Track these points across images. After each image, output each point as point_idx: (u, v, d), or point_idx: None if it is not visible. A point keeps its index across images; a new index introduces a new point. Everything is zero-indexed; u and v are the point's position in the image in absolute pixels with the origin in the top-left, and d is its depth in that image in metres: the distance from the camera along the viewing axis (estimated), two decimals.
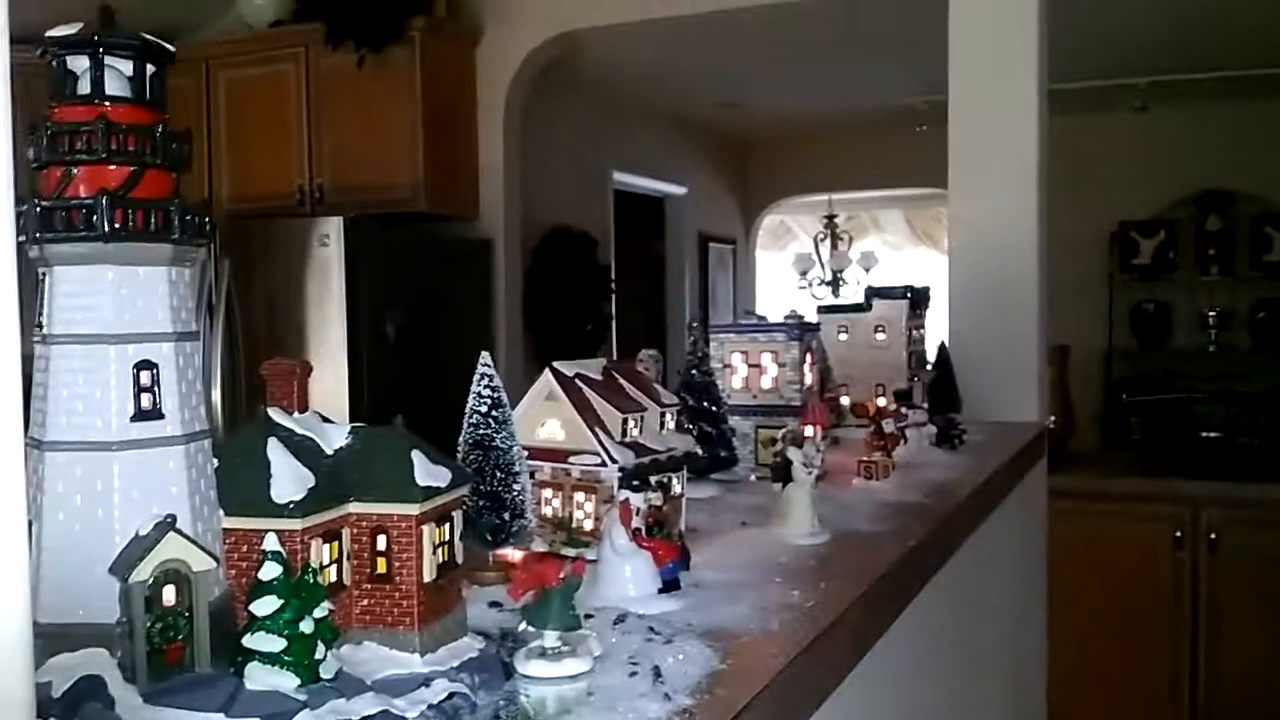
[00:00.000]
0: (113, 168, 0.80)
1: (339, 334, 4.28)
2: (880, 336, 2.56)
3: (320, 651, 0.81)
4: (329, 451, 0.94)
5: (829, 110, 7.17)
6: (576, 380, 1.46)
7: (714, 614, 1.17)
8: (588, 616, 1.14)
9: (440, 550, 0.94)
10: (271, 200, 4.90)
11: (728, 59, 5.77)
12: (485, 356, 1.31)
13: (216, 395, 4.41)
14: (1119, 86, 5.91)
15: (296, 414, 0.95)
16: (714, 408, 1.83)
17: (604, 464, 1.38)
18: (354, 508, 0.91)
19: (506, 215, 5.11)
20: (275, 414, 0.93)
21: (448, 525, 0.95)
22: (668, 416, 1.56)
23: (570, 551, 1.40)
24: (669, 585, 1.22)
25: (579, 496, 1.41)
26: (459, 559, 0.97)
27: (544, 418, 1.45)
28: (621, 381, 1.53)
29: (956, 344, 3.00)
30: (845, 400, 2.41)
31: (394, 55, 4.67)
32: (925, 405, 2.46)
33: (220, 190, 5.04)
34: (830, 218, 8.62)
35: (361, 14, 4.63)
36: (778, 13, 4.60)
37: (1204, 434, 5.87)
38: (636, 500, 1.24)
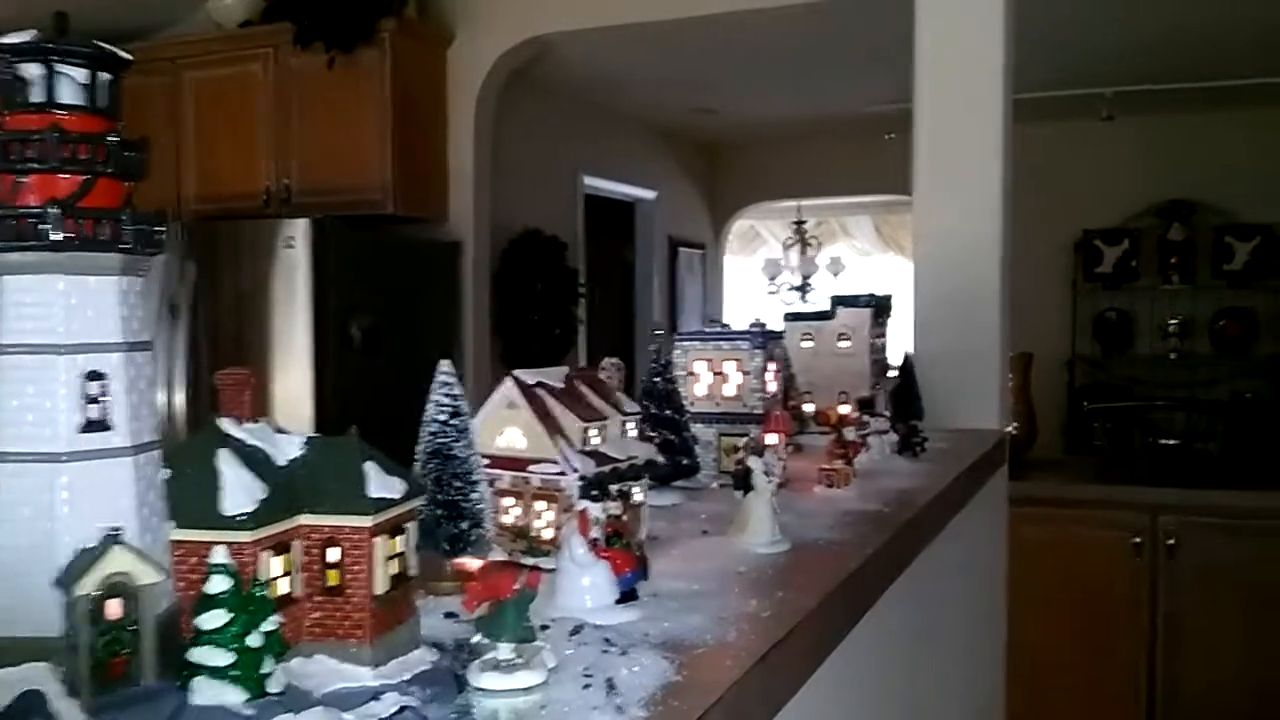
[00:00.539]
0: (64, 176, 0.79)
1: (305, 336, 4.26)
2: (844, 344, 2.57)
3: (268, 665, 0.81)
4: (281, 462, 0.93)
5: (799, 116, 7.20)
6: (538, 388, 1.46)
7: (671, 624, 1.17)
8: (544, 628, 1.14)
9: (393, 562, 0.94)
10: (239, 201, 4.88)
11: (699, 65, 5.79)
12: (445, 364, 1.30)
13: (180, 399, 4.38)
14: (1085, 96, 5.97)
15: (248, 424, 0.94)
16: (676, 415, 1.83)
17: (564, 473, 1.38)
18: (305, 519, 0.91)
19: (476, 218, 5.10)
20: (226, 424, 0.92)
21: (401, 537, 0.95)
22: (629, 425, 1.56)
23: (530, 561, 1.40)
24: (626, 595, 1.22)
25: (539, 505, 1.41)
26: (413, 571, 0.97)
27: (504, 426, 1.44)
28: (583, 389, 1.53)
29: (920, 351, 3.02)
30: (809, 408, 2.42)
31: (364, 57, 4.66)
32: (888, 413, 2.48)
33: (187, 190, 5.01)
34: (799, 223, 8.67)
35: (331, 15, 4.61)
36: (749, 19, 4.62)
37: (1164, 441, 5.95)
38: (595, 510, 1.24)
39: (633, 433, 1.57)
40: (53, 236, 0.77)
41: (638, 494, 1.53)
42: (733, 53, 5.52)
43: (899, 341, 2.83)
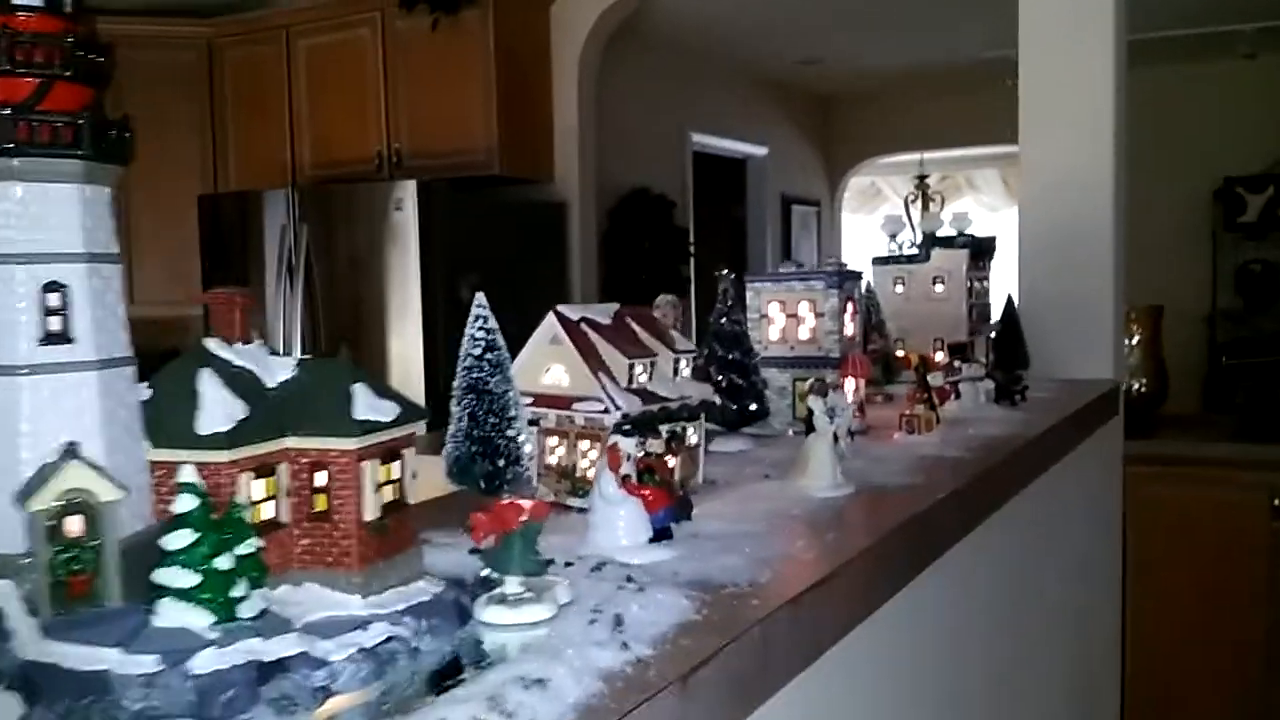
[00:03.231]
0: (19, 79, 0.76)
1: (415, 298, 4.29)
2: (939, 289, 2.44)
3: (241, 589, 0.77)
4: (271, 384, 0.90)
5: (916, 65, 6.95)
6: (581, 324, 1.40)
7: (705, 564, 1.11)
8: (568, 564, 1.09)
9: (387, 489, 0.89)
10: (351, 166, 4.94)
11: (807, 12, 5.62)
12: (480, 297, 1.26)
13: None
14: (1225, 33, 5.59)
15: (240, 345, 0.91)
16: (744, 358, 1.76)
17: (607, 410, 1.32)
18: (291, 442, 0.87)
19: (582, 177, 5.05)
20: (213, 344, 0.89)
21: (397, 463, 0.91)
22: (683, 363, 1.49)
23: (575, 501, 1.35)
24: (660, 534, 1.16)
25: (583, 445, 1.36)
26: (409, 499, 0.92)
27: (548, 363, 1.39)
28: (634, 327, 1.47)
29: (1027, 298, 2.86)
30: (900, 354, 2.31)
31: (468, 17, 4.65)
32: (986, 360, 2.35)
33: (302, 157, 5.10)
34: (921, 178, 8.39)
35: None
36: None
37: None
38: (626, 445, 1.18)
39: (686, 372, 1.50)
40: (6, 142, 0.74)
41: (693, 436, 1.47)
42: None
43: (1003, 287, 2.67)
